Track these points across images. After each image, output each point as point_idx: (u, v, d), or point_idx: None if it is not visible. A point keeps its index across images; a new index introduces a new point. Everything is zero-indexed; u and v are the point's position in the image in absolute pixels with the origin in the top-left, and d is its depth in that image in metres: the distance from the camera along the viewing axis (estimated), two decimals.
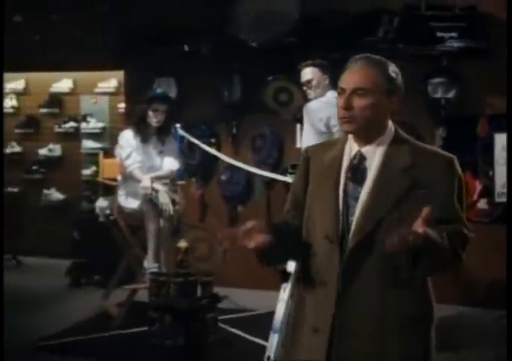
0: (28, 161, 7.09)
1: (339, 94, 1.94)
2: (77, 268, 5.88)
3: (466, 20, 4.88)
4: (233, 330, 4.31)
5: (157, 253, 4.38)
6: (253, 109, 5.44)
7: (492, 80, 4.85)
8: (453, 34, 4.90)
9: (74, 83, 6.93)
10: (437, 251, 1.77)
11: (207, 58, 5.35)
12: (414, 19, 5.03)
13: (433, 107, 5.06)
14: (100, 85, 6.81)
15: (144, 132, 4.50)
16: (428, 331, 1.97)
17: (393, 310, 1.91)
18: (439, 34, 4.93)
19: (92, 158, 6.81)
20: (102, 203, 5.28)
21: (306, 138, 4.27)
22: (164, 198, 4.32)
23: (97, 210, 5.39)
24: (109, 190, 5.38)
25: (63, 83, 6.94)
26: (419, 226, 1.70)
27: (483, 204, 4.97)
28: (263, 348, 3.14)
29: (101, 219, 5.44)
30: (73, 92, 6.93)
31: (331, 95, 4.39)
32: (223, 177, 5.66)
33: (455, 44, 4.89)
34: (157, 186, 4.37)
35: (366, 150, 1.95)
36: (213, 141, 5.63)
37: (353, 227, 1.92)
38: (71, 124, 6.95)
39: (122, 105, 6.54)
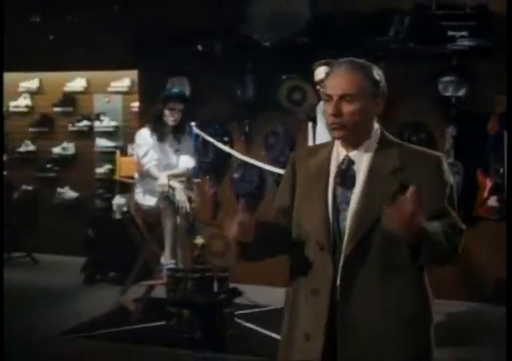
0: (42, 159, 7.16)
1: (327, 101, 1.93)
2: (92, 265, 5.97)
3: (477, 19, 4.93)
4: (248, 325, 4.40)
5: (174, 250, 4.46)
6: (265, 108, 5.52)
7: (503, 79, 4.91)
8: (464, 33, 4.95)
9: (88, 82, 6.99)
10: (433, 243, 1.78)
11: (220, 57, 5.43)
12: (425, 18, 5.08)
13: (443, 106, 5.12)
14: (113, 84, 6.87)
15: (160, 131, 4.59)
16: (427, 331, 1.97)
17: (391, 314, 1.90)
18: (450, 33, 4.98)
19: (106, 156, 6.90)
20: (119, 200, 5.37)
21: (320, 136, 4.35)
22: (181, 196, 4.40)
23: (114, 208, 5.48)
24: (126, 188, 5.47)
25: (77, 83, 7.00)
26: (407, 202, 1.70)
27: (493, 201, 5.03)
28: (277, 342, 3.22)
29: (118, 216, 5.53)
30: (86, 91, 7.00)
31: None
32: (235, 175, 5.74)
33: (466, 43, 4.94)
34: (174, 183, 4.45)
35: (354, 154, 1.95)
36: (226, 139, 5.70)
37: (346, 233, 1.92)
38: (85, 123, 7.03)
39: (135, 104, 6.62)
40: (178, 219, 4.50)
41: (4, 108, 7.28)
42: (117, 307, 4.80)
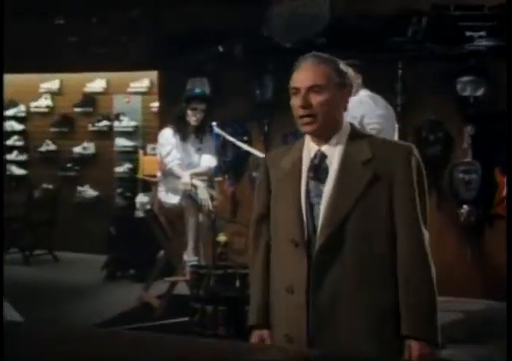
0: (62, 159, 7.27)
1: (294, 94, 1.95)
2: (113, 263, 6.06)
3: (495, 19, 4.97)
4: None
5: (197, 247, 4.54)
6: (284, 108, 5.56)
7: None
8: (482, 33, 4.99)
9: (108, 83, 7.09)
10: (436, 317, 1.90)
11: (240, 58, 5.50)
12: (443, 19, 5.13)
13: (461, 106, 5.17)
14: (132, 85, 6.97)
15: (183, 131, 4.67)
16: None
17: (367, 307, 1.90)
18: (468, 33, 5.02)
19: (125, 155, 6.99)
20: (142, 199, 5.46)
21: None
22: (203, 194, 4.48)
23: (137, 206, 5.57)
24: (147, 186, 5.55)
25: (97, 83, 7.10)
26: None
27: None
28: None
29: (141, 214, 5.62)
30: (106, 92, 7.09)
31: (364, 93, 4.54)
32: (254, 174, 5.81)
33: (484, 43, 4.99)
34: (196, 182, 4.53)
35: (325, 148, 1.96)
36: (245, 138, 5.78)
37: (319, 225, 1.91)
38: (105, 123, 7.12)
39: (154, 104, 6.71)
40: (201, 216, 4.58)
41: (25, 109, 7.42)
42: (140, 304, 4.89)
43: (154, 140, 6.16)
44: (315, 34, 5.14)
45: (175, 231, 4.79)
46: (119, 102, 7.06)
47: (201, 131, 4.74)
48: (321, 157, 1.96)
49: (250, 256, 2.12)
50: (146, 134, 6.85)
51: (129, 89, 6.99)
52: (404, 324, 1.89)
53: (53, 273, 6.28)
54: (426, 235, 1.95)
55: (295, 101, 1.95)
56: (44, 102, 7.33)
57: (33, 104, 7.36)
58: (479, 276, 5.08)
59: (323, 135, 1.96)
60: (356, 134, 1.99)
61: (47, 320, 4.57)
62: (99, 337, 1.76)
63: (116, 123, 7.05)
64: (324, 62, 1.96)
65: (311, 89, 1.92)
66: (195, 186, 4.52)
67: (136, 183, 6.23)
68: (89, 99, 7.15)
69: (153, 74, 6.58)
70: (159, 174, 4.85)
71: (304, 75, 1.94)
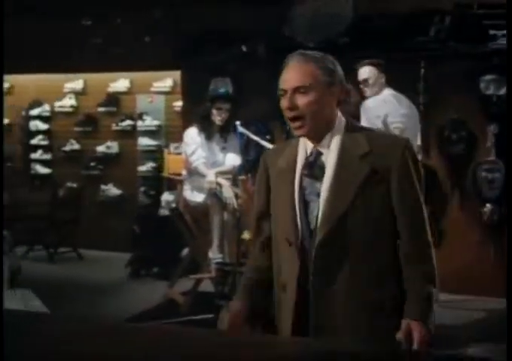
0: (86, 158, 7.35)
1: (282, 96, 1.92)
2: (137, 261, 6.13)
3: None
4: None
5: (221, 245, 4.59)
6: None
7: None
8: (505, 32, 4.99)
9: (131, 82, 7.15)
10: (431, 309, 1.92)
11: (263, 58, 5.54)
12: (466, 17, 5.13)
13: (485, 104, 5.17)
14: (156, 84, 7.02)
15: (208, 130, 4.73)
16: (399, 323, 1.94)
17: (365, 303, 1.90)
18: (491, 31, 5.02)
19: (148, 154, 7.07)
20: (167, 197, 5.53)
21: None
22: (228, 192, 4.53)
23: (163, 204, 5.64)
24: (173, 185, 5.62)
25: (120, 83, 7.17)
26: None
27: None
28: None
29: (166, 212, 5.69)
30: (130, 92, 7.15)
31: (387, 92, 4.58)
32: None
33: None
34: (221, 180, 4.59)
35: (321, 145, 1.94)
36: (268, 137, 5.82)
37: (319, 222, 1.89)
38: (128, 122, 7.19)
39: (177, 104, 6.78)
40: (226, 215, 4.64)
41: (50, 108, 7.53)
42: (165, 300, 4.95)
43: (177, 139, 6.25)
44: (337, 34, 5.18)
45: (200, 229, 4.84)
46: (142, 102, 7.12)
47: (225, 130, 4.79)
48: (317, 154, 1.95)
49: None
50: (169, 134, 6.91)
51: (153, 89, 7.05)
52: (408, 307, 1.90)
53: (77, 270, 6.36)
54: (428, 232, 1.95)
55: (283, 103, 1.92)
56: (69, 102, 7.41)
57: (57, 103, 7.45)
58: (502, 275, 5.07)
59: (316, 135, 1.95)
60: (353, 128, 1.97)
61: (71, 316, 4.64)
62: (126, 331, 1.80)
63: (139, 123, 7.12)
64: (310, 60, 1.91)
65: (297, 90, 1.89)
66: (220, 185, 4.57)
67: (161, 181, 6.29)
68: (113, 99, 7.22)
69: (176, 74, 6.65)
70: (184, 172, 4.92)
71: (289, 76, 1.91)
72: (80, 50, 6.58)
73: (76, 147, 7.41)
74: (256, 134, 5.63)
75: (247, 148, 5.82)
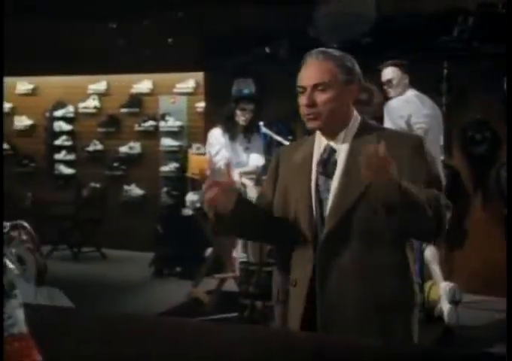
0: (109, 158, 7.42)
1: (300, 93, 1.94)
2: (160, 260, 6.19)
3: None
4: None
5: (246, 244, 4.62)
6: None
7: None
8: (506, 32, 4.96)
9: (154, 84, 7.21)
10: (413, 204, 1.73)
11: (285, 59, 5.57)
12: (489, 17, 5.12)
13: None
14: (178, 86, 7.07)
15: (232, 130, 4.77)
16: (409, 315, 1.94)
17: (371, 300, 1.89)
18: None
19: (171, 155, 7.12)
20: (192, 197, 5.57)
21: None
22: (252, 192, 4.56)
23: (187, 204, 5.69)
24: (197, 185, 5.66)
25: (143, 84, 7.23)
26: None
27: None
28: None
29: (189, 212, 5.74)
30: (152, 93, 7.22)
31: (411, 93, 4.58)
32: None
33: None
34: (245, 180, 4.63)
35: (334, 142, 1.95)
36: (290, 138, 5.84)
37: (326, 218, 1.90)
38: (151, 123, 7.25)
39: (200, 105, 6.83)
40: None
41: (74, 109, 7.62)
42: (189, 299, 5.00)
43: (199, 140, 6.30)
44: (361, 34, 5.19)
45: None
46: (165, 103, 7.18)
47: (249, 130, 4.83)
48: (330, 152, 1.96)
49: None
50: (191, 134, 6.97)
51: (175, 90, 7.10)
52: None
53: (101, 270, 6.43)
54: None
55: (301, 100, 1.94)
56: (92, 103, 7.49)
57: (81, 105, 7.53)
58: None
59: (329, 131, 1.96)
60: (366, 127, 1.98)
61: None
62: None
63: (162, 123, 7.17)
64: (329, 58, 1.93)
65: (315, 87, 1.91)
66: (244, 185, 4.61)
67: (184, 181, 6.34)
68: (136, 100, 7.29)
69: (199, 75, 6.70)
70: (208, 172, 4.96)
71: (309, 73, 1.93)
72: (104, 52, 6.65)
73: (99, 147, 7.48)
74: (278, 134, 5.67)
75: (270, 148, 5.84)
